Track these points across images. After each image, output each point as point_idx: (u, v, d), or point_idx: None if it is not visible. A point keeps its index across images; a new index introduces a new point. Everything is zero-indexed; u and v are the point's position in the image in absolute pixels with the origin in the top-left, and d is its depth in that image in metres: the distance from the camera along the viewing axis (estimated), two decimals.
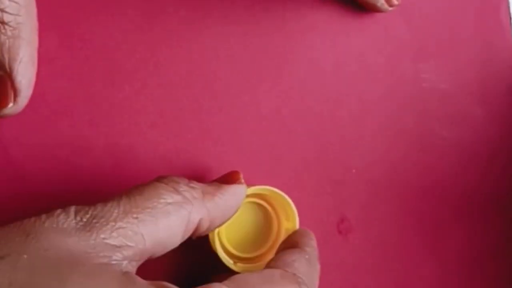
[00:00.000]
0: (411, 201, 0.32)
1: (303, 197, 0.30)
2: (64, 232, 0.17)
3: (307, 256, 0.23)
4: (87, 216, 0.18)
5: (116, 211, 0.18)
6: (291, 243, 0.25)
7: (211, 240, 0.27)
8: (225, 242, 0.27)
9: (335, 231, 0.31)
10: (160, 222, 0.19)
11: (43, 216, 0.18)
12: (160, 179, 0.21)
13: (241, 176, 0.24)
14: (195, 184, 0.22)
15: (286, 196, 0.27)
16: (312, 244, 0.25)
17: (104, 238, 0.17)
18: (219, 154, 0.30)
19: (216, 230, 0.26)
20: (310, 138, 0.31)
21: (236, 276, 0.20)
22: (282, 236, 0.28)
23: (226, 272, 0.26)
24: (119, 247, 0.17)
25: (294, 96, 0.31)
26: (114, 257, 0.17)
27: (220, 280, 0.20)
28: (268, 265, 0.23)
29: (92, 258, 0.16)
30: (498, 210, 0.33)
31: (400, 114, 0.32)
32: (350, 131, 0.32)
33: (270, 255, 0.27)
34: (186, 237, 0.21)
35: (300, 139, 0.31)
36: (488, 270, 0.33)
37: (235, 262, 0.27)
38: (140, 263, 0.19)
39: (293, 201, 0.28)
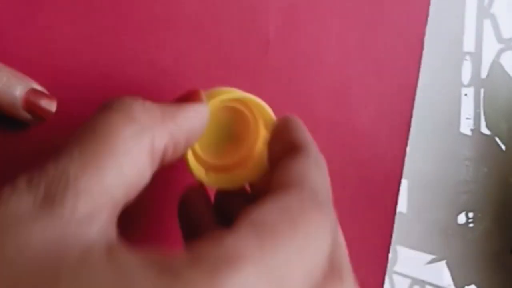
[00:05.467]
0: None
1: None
2: (24, 221, 0.14)
3: (314, 159, 0.19)
4: (42, 186, 0.14)
5: (73, 168, 0.15)
6: (288, 143, 0.20)
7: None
8: (197, 148, 0.23)
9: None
10: (124, 164, 0.16)
11: None
12: (109, 105, 0.17)
13: (202, 94, 0.20)
14: (151, 105, 0.18)
15: (265, 104, 0.23)
16: (309, 138, 0.20)
17: (72, 211, 0.14)
18: None
19: None
20: None
21: (251, 217, 0.15)
22: (260, 145, 0.24)
23: None
24: (91, 215, 0.15)
25: None
26: (91, 231, 0.14)
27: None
28: (278, 181, 0.18)
29: (69, 246, 0.14)
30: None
31: None
32: None
33: (246, 165, 0.24)
34: (155, 168, 0.18)
35: None
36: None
37: (207, 171, 0.23)
38: (117, 216, 0.16)
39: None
